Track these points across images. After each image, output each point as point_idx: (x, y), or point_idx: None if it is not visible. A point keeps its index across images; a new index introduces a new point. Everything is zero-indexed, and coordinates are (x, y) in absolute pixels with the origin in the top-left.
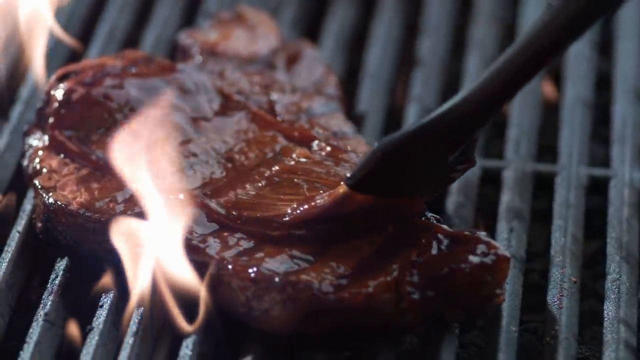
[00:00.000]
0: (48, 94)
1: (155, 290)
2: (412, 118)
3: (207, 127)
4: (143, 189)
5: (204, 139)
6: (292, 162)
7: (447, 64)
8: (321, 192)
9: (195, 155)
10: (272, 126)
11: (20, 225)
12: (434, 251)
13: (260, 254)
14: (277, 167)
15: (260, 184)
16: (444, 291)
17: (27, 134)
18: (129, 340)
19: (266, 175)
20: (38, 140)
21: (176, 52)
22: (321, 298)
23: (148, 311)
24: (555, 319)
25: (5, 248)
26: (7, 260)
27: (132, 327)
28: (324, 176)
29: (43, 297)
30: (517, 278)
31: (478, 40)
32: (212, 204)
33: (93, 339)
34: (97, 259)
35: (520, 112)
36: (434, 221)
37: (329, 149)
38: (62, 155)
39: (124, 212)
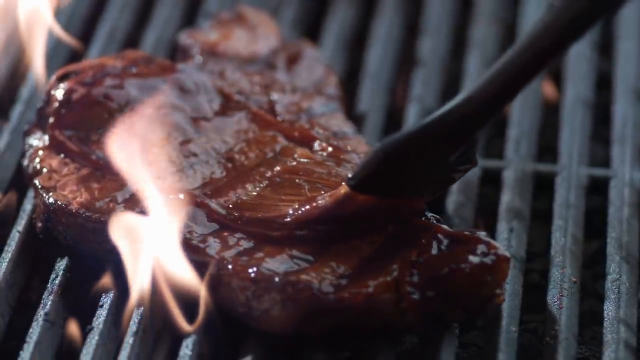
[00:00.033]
0: (48, 93)
1: (155, 290)
2: (412, 118)
3: (208, 127)
4: (143, 189)
5: (204, 139)
6: (294, 163)
7: (447, 64)
8: (322, 192)
9: (195, 155)
10: (272, 126)
11: (21, 225)
12: (434, 251)
13: (260, 254)
14: (278, 168)
15: (261, 185)
16: (444, 291)
17: (27, 133)
18: (129, 340)
19: (267, 175)
20: (38, 140)
21: (176, 53)
22: (321, 298)
23: (148, 311)
24: (555, 319)
25: (6, 248)
26: (7, 260)
27: (132, 327)
28: (325, 177)
29: (43, 296)
30: (517, 278)
31: (478, 40)
32: (212, 204)
33: (93, 338)
34: (97, 259)
35: (521, 112)
36: (434, 221)
37: (330, 149)
38: (62, 155)
39: (124, 212)
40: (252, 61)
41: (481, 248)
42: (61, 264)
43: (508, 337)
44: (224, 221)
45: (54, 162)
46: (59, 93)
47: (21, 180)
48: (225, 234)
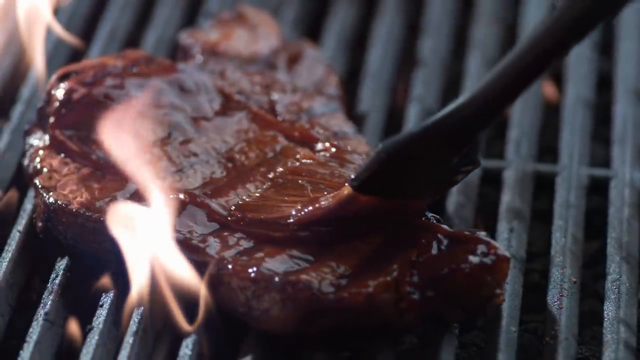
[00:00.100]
0: (49, 93)
1: (155, 290)
2: (413, 118)
3: (208, 126)
4: (143, 189)
5: (205, 139)
6: (296, 164)
7: (448, 64)
8: (325, 193)
9: (195, 155)
10: (273, 126)
11: (21, 224)
12: (434, 251)
13: (260, 254)
14: (280, 168)
15: (264, 185)
16: (443, 291)
17: (27, 133)
18: (128, 339)
19: (270, 176)
20: (39, 140)
21: (177, 52)
22: (321, 298)
23: (148, 311)
24: (555, 319)
25: (6, 247)
26: (8, 259)
27: (132, 327)
28: (328, 177)
29: (43, 296)
30: (517, 278)
31: (479, 40)
32: (213, 204)
33: (93, 338)
34: (97, 259)
35: (521, 113)
36: (434, 221)
37: (333, 150)
38: (62, 155)
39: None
40: (253, 61)
41: (481, 248)
42: (61, 264)
43: (508, 337)
44: (224, 221)
45: (55, 161)
46: (60, 93)
47: (22, 180)
48: (225, 233)
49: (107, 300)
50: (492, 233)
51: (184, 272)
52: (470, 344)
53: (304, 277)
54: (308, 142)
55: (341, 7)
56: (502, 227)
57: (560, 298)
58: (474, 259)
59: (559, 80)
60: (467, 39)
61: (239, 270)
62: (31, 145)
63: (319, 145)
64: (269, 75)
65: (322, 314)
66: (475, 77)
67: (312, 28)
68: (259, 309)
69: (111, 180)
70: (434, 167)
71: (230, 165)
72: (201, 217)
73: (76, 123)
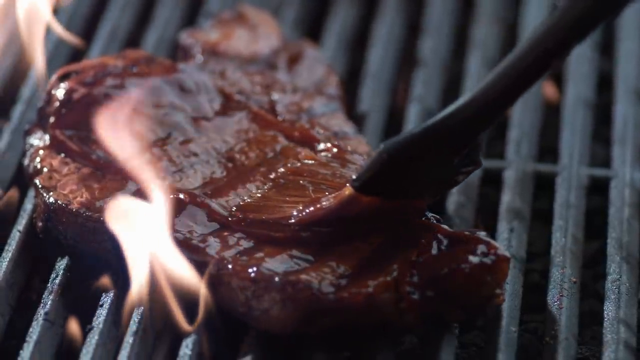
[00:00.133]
0: (49, 93)
1: (155, 290)
2: (413, 118)
3: (208, 126)
4: (143, 189)
5: (205, 139)
6: (298, 164)
7: (448, 64)
8: (327, 194)
9: (195, 154)
10: (273, 126)
11: (21, 224)
12: (434, 251)
13: (260, 254)
14: (282, 169)
15: (265, 186)
16: (443, 291)
17: (28, 133)
18: (128, 339)
19: (271, 176)
20: (39, 140)
21: (177, 52)
22: (321, 298)
23: (148, 311)
24: (555, 319)
25: (6, 247)
26: (8, 259)
27: (132, 327)
28: (329, 178)
29: (43, 296)
30: (517, 278)
31: (480, 40)
32: (213, 204)
33: (93, 338)
34: (97, 259)
35: (522, 113)
36: (434, 221)
37: (334, 150)
38: (62, 155)
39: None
40: (253, 61)
41: (481, 248)
42: (61, 264)
43: (508, 337)
44: (224, 221)
45: (55, 161)
46: (60, 93)
47: (22, 180)
48: (226, 233)
49: (107, 300)
50: (492, 233)
51: (184, 272)
52: (470, 344)
53: (304, 277)
54: (308, 142)
55: (341, 7)
56: (502, 227)
57: (560, 298)
58: (474, 259)
59: (559, 80)
60: (468, 39)
61: (239, 270)
62: (31, 145)
63: (321, 146)
64: (269, 75)
65: (322, 314)
66: (476, 77)
67: (312, 28)
68: (259, 309)
69: (111, 180)
70: (435, 167)
71: (230, 165)
72: (201, 217)
73: (76, 123)
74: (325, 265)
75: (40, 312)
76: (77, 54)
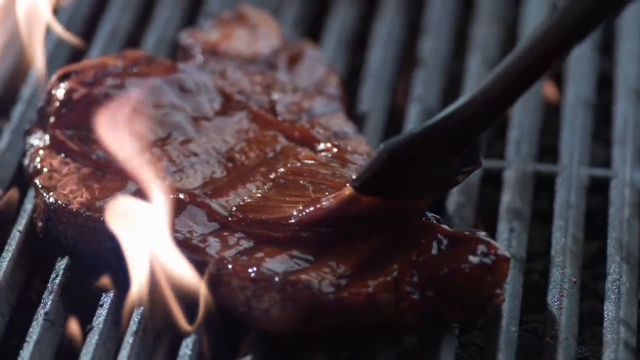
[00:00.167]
0: (49, 93)
1: (155, 289)
2: (413, 118)
3: (208, 126)
4: (143, 189)
5: (205, 139)
6: (298, 164)
7: (448, 64)
8: (327, 194)
9: (196, 154)
10: (273, 126)
11: (21, 224)
12: (434, 251)
13: (260, 254)
14: (282, 169)
15: (265, 186)
16: (443, 291)
17: (28, 133)
18: (128, 339)
19: (271, 176)
20: (39, 140)
21: (177, 52)
22: (321, 298)
23: (148, 311)
24: (555, 319)
25: (6, 247)
26: (8, 259)
27: (132, 327)
28: (329, 178)
29: (43, 296)
30: (517, 278)
31: (480, 40)
32: (213, 203)
33: (93, 338)
34: (97, 259)
35: (522, 113)
36: (434, 221)
37: (335, 150)
38: (62, 155)
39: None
40: (253, 61)
41: (481, 248)
42: (61, 264)
43: (508, 337)
44: (224, 221)
45: (55, 161)
46: (60, 93)
47: (22, 180)
48: (226, 233)
49: (107, 300)
50: (492, 233)
51: (184, 272)
52: (470, 344)
53: (304, 277)
54: (308, 142)
55: (342, 7)
56: (502, 227)
57: (560, 298)
58: (474, 259)
59: (559, 80)
60: (468, 39)
61: (239, 270)
62: (31, 145)
63: (321, 146)
64: (270, 75)
65: (322, 314)
66: (476, 77)
67: (312, 28)
68: (259, 309)
69: (111, 180)
70: (435, 167)
71: (230, 165)
72: (201, 217)
73: (76, 123)
74: (325, 265)
75: (40, 312)
76: (77, 54)
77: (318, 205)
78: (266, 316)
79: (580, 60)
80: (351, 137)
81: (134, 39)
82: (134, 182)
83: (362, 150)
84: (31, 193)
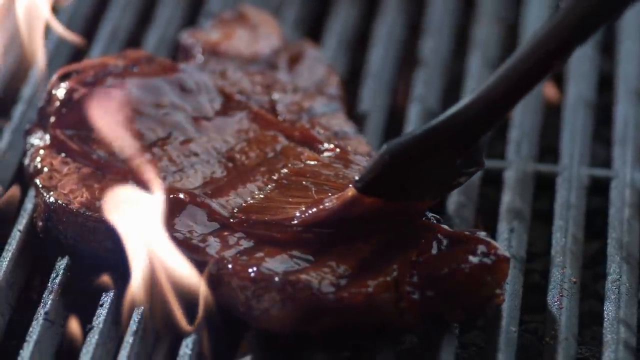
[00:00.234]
0: (49, 93)
1: (155, 289)
2: (414, 118)
3: (208, 126)
4: (144, 188)
5: (205, 139)
6: (300, 165)
7: (449, 64)
8: (330, 195)
9: (196, 154)
10: (273, 126)
11: (21, 224)
12: (434, 251)
13: (260, 254)
14: (285, 170)
15: (267, 187)
16: (443, 291)
17: (28, 133)
18: (128, 339)
19: (274, 177)
20: (39, 140)
21: (178, 52)
22: (321, 298)
23: (148, 310)
24: (555, 319)
25: (6, 247)
26: (8, 259)
27: (132, 326)
28: (332, 179)
29: (43, 295)
30: (518, 278)
31: (480, 40)
32: (213, 203)
33: (93, 337)
34: (97, 258)
35: (522, 113)
36: (435, 221)
37: (337, 151)
38: (63, 155)
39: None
40: (254, 61)
41: (481, 248)
42: (61, 263)
43: (508, 337)
44: (225, 221)
45: (55, 161)
46: (60, 92)
47: (22, 180)
48: (226, 233)
49: (107, 299)
50: (493, 233)
51: (184, 272)
52: (470, 344)
53: (303, 276)
54: (309, 142)
55: (342, 7)
56: (503, 227)
57: (560, 298)
58: (474, 259)
59: (559, 80)
60: (468, 39)
61: (239, 270)
62: (32, 145)
63: (323, 146)
64: (270, 75)
65: (322, 314)
66: (477, 78)
67: (313, 28)
68: (259, 309)
69: (111, 180)
70: (438, 169)
71: (230, 165)
72: (201, 217)
73: (77, 123)
74: (325, 265)
75: (41, 311)
76: (77, 54)
77: (321, 207)
78: (266, 316)
79: (581, 60)
80: (351, 137)
81: (134, 39)
82: (134, 182)
83: (363, 151)
84: (31, 193)
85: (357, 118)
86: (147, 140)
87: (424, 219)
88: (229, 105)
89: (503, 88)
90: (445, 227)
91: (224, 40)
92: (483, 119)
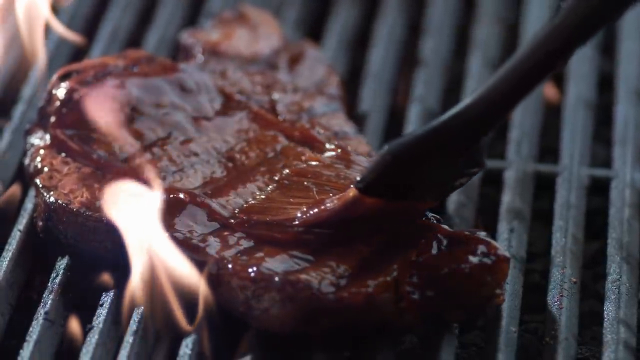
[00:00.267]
0: (50, 93)
1: (155, 289)
2: (414, 118)
3: (209, 126)
4: (144, 188)
5: (205, 139)
6: (302, 165)
7: (449, 64)
8: (331, 195)
9: (196, 154)
10: (273, 126)
11: (21, 224)
12: (434, 251)
13: (260, 254)
14: (286, 170)
15: (269, 187)
16: (443, 291)
17: (28, 132)
18: (128, 339)
19: (275, 177)
20: (40, 139)
21: (178, 52)
22: (321, 298)
23: (148, 310)
24: (555, 319)
25: (6, 247)
26: (8, 259)
27: (132, 326)
28: (333, 179)
29: (43, 295)
30: (518, 278)
31: (481, 40)
32: (213, 203)
33: (93, 337)
34: (97, 258)
35: (522, 113)
36: (435, 221)
37: (339, 151)
38: (63, 154)
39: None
40: (254, 61)
41: (481, 248)
42: (62, 263)
43: (508, 337)
44: (225, 221)
45: (55, 161)
46: (61, 92)
47: (23, 179)
48: (226, 233)
49: (107, 299)
50: (493, 233)
51: (184, 272)
52: (470, 344)
53: (303, 276)
54: (308, 142)
55: (343, 7)
56: (503, 227)
57: (560, 298)
58: (474, 259)
59: (560, 80)
60: (469, 39)
61: (239, 269)
62: (32, 145)
63: (324, 147)
64: (270, 75)
65: (322, 314)
66: (477, 78)
67: (313, 28)
68: (259, 309)
69: (111, 180)
70: (439, 169)
71: (230, 165)
72: (201, 217)
73: (77, 122)
74: (325, 265)
75: (41, 311)
76: (78, 54)
77: (322, 207)
78: (266, 316)
79: (581, 61)
80: (351, 137)
81: (135, 39)
82: (134, 182)
83: (363, 151)
84: (32, 192)
85: (357, 118)
86: (147, 140)
87: (424, 219)
88: (229, 105)
89: (504, 89)
90: (446, 227)
91: (224, 40)
92: (484, 119)
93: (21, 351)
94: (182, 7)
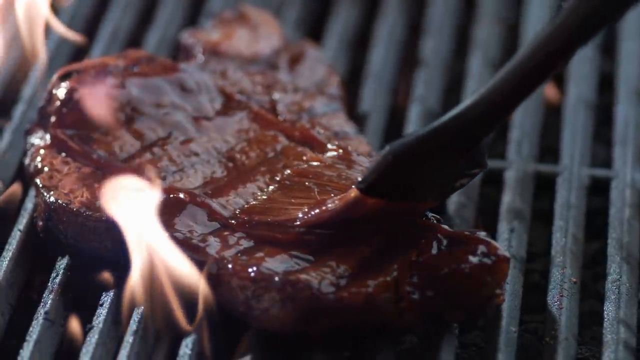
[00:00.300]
0: (50, 93)
1: (155, 289)
2: (414, 118)
3: (209, 126)
4: (144, 188)
5: (206, 139)
6: (303, 165)
7: (450, 64)
8: (332, 195)
9: (196, 154)
10: (274, 126)
11: (22, 223)
12: (434, 251)
13: (260, 254)
14: (287, 170)
15: (270, 187)
16: (443, 291)
17: (29, 132)
18: (128, 339)
19: (276, 178)
20: (40, 139)
21: (179, 52)
22: (320, 297)
23: (148, 310)
24: (555, 319)
25: (6, 247)
26: (8, 258)
27: (132, 326)
28: (335, 180)
29: (43, 295)
30: (518, 278)
31: (481, 40)
32: (213, 203)
33: (93, 337)
34: (97, 258)
35: (523, 113)
36: (435, 221)
37: (340, 151)
38: (63, 154)
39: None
40: (254, 61)
41: (481, 248)
42: (62, 263)
43: (508, 337)
44: (225, 221)
45: (55, 161)
46: (61, 92)
47: (23, 179)
48: (226, 233)
49: (107, 299)
50: (493, 233)
51: (184, 272)
52: (470, 344)
53: (303, 276)
54: (309, 142)
55: (343, 8)
56: (503, 227)
57: (561, 298)
58: (474, 259)
59: (560, 80)
60: (469, 39)
61: (239, 269)
62: (32, 145)
63: (325, 147)
64: (271, 75)
65: (322, 314)
66: (477, 78)
67: (313, 28)
68: (259, 309)
69: (112, 180)
70: (440, 169)
71: (231, 164)
72: (201, 217)
73: (77, 122)
74: (325, 265)
75: (41, 311)
76: (78, 54)
77: (323, 208)
78: (266, 316)
79: (582, 61)
80: (352, 137)
81: (135, 39)
82: (134, 182)
83: (363, 151)
84: (32, 192)
85: (357, 118)
86: (147, 140)
87: (424, 219)
88: (229, 105)
89: (505, 89)
90: (446, 227)
91: (225, 40)
92: (485, 120)
93: (21, 351)
94: (183, 7)
